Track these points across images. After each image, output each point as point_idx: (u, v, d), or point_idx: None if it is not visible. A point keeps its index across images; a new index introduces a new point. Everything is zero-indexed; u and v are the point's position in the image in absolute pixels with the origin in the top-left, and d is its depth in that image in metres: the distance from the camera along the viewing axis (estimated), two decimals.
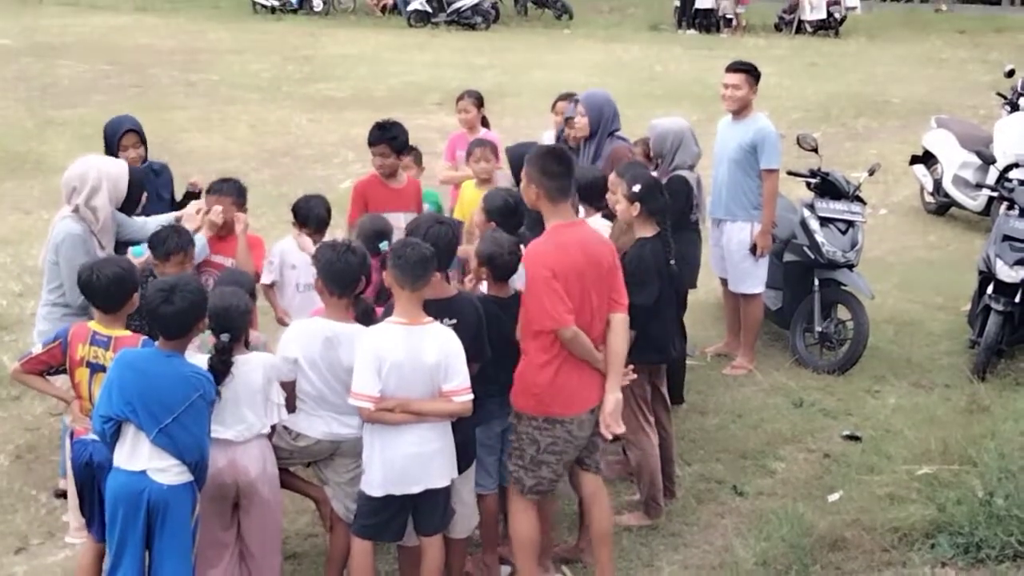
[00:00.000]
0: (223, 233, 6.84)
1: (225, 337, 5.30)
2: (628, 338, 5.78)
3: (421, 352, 5.31)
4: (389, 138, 7.71)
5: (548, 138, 8.57)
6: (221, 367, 5.28)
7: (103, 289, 5.37)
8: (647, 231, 6.46)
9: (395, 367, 5.28)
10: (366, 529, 5.52)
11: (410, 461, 5.35)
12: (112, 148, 7.32)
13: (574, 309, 5.48)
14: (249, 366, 5.41)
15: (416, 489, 5.39)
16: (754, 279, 8.97)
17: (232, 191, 6.96)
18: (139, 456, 5.01)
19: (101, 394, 5.10)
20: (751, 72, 8.85)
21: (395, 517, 5.48)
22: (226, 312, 5.38)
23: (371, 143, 7.77)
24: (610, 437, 5.80)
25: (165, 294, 5.05)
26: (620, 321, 5.72)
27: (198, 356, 5.38)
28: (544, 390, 5.56)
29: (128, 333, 5.37)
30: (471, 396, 5.41)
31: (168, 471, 5.02)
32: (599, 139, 7.75)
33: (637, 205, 6.39)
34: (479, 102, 9.57)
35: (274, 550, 5.62)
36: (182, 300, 5.04)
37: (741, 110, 8.89)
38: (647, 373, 6.57)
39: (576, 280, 5.50)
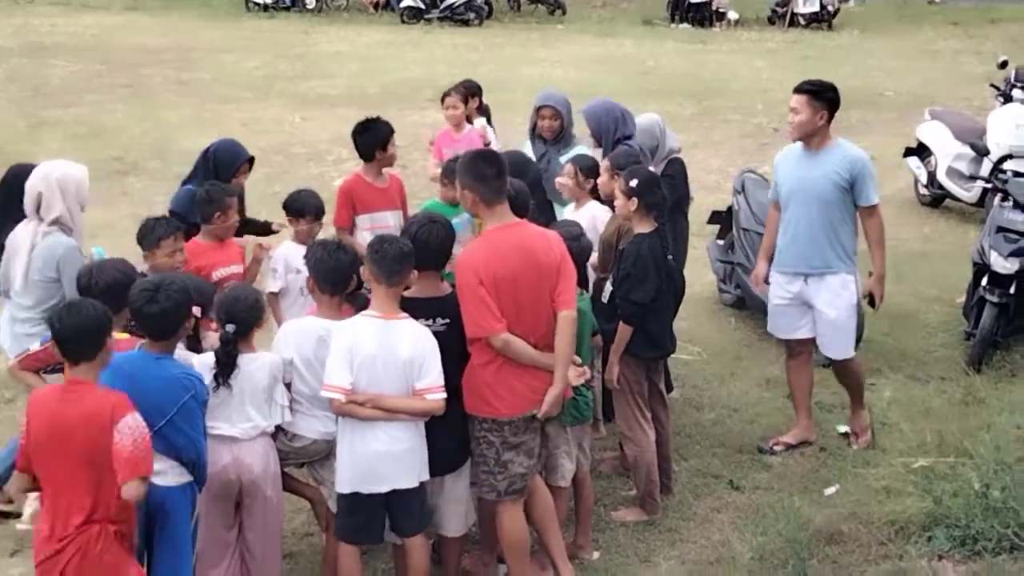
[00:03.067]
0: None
1: (231, 328, 5.31)
2: (574, 335, 5.70)
3: (394, 347, 5.32)
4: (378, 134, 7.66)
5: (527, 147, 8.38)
6: (225, 359, 5.29)
7: (102, 292, 5.32)
8: (645, 227, 6.45)
9: (368, 360, 5.28)
10: (346, 531, 5.52)
11: (379, 459, 5.34)
12: (226, 174, 7.16)
13: (508, 315, 5.44)
14: (256, 365, 5.41)
15: (383, 488, 5.38)
16: (851, 334, 7.62)
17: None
18: None
19: None
20: (817, 94, 7.30)
21: (370, 517, 5.48)
22: (234, 303, 5.40)
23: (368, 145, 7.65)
24: (541, 418, 5.65)
25: (149, 294, 5.00)
26: (566, 319, 5.60)
27: (206, 354, 5.40)
28: (488, 390, 5.53)
29: (126, 336, 5.32)
30: (444, 395, 5.40)
31: (166, 473, 5.00)
32: (605, 148, 7.67)
33: (635, 200, 6.38)
34: (466, 97, 9.50)
35: (275, 550, 5.62)
36: (167, 300, 4.99)
37: (810, 138, 7.36)
38: (644, 369, 6.57)
39: (510, 285, 5.44)
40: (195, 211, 6.72)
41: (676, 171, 7.84)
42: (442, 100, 9.60)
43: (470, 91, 9.80)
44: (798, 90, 7.34)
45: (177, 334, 5.14)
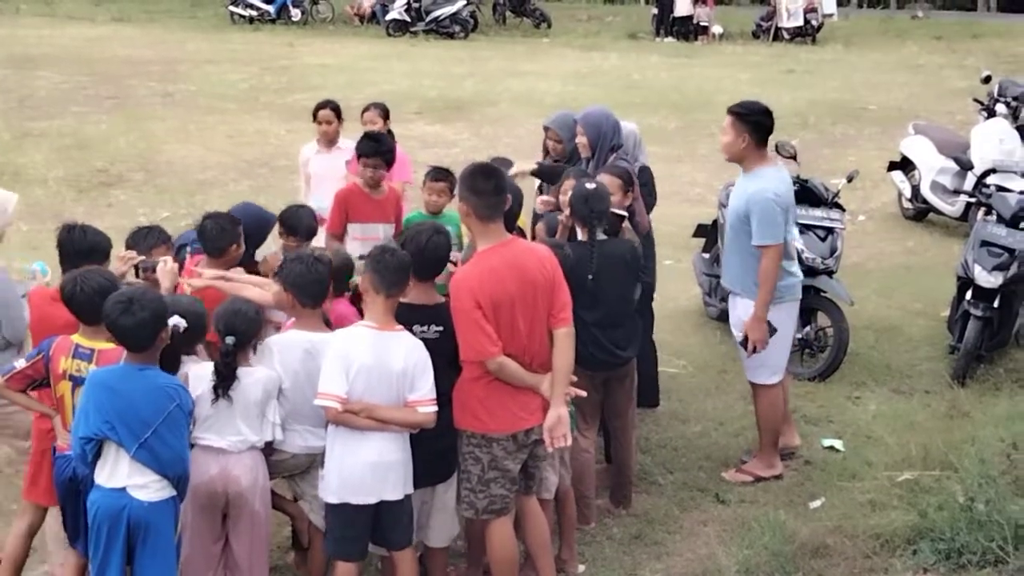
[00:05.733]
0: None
1: (230, 340, 5.31)
2: (572, 352, 5.67)
3: (388, 358, 5.31)
4: (384, 151, 7.70)
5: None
6: (224, 371, 5.29)
7: (87, 300, 5.28)
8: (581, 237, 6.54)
9: (363, 370, 5.28)
10: (338, 547, 5.50)
11: (368, 471, 5.33)
12: (259, 237, 6.87)
13: (503, 337, 5.42)
14: (250, 379, 5.40)
15: (371, 500, 5.37)
16: (766, 367, 7.40)
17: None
18: (119, 473, 4.96)
19: (78, 416, 5.03)
20: (741, 116, 7.11)
21: (359, 531, 5.46)
22: (234, 315, 5.39)
23: (365, 154, 7.65)
24: (551, 450, 5.70)
25: (124, 305, 4.93)
26: (563, 336, 5.60)
27: (203, 364, 5.39)
28: (479, 406, 5.51)
29: (111, 346, 5.26)
30: (435, 408, 5.40)
31: (148, 487, 4.97)
32: (599, 157, 7.64)
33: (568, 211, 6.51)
34: (384, 113, 9.44)
35: (261, 564, 5.59)
36: (141, 310, 4.93)
37: (739, 161, 7.22)
38: (588, 378, 6.51)
39: (507, 306, 5.42)
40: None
41: (649, 179, 7.82)
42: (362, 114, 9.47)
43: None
44: (728, 111, 7.19)
45: (155, 345, 5.08)
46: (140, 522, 4.97)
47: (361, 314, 5.71)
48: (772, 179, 7.14)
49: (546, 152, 8.21)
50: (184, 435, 5.10)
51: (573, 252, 6.26)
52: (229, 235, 6.29)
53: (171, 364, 5.21)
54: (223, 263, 6.26)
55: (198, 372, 5.37)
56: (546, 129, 8.18)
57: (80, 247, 5.75)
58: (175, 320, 5.21)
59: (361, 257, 5.90)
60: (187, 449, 5.12)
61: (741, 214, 7.13)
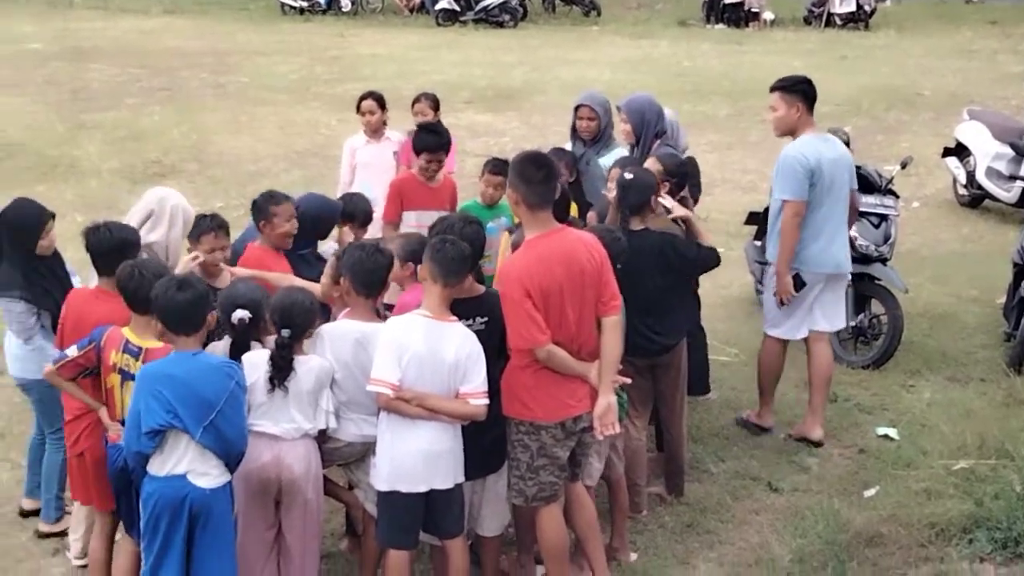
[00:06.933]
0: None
1: (286, 333, 5.34)
2: (621, 340, 5.69)
3: (441, 349, 5.32)
4: (445, 143, 7.74)
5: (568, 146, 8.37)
6: (282, 363, 5.32)
7: (148, 285, 5.29)
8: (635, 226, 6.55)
9: (415, 358, 5.28)
10: (389, 535, 5.52)
11: (419, 459, 5.35)
12: (327, 225, 6.95)
13: (552, 325, 5.41)
14: (304, 368, 5.42)
15: (422, 488, 5.38)
16: (766, 318, 7.93)
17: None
18: (179, 461, 5.03)
19: (132, 413, 5.07)
20: (788, 88, 7.54)
21: (410, 519, 5.48)
22: (290, 308, 5.42)
23: (428, 149, 7.69)
24: (601, 437, 5.72)
25: (176, 284, 5.08)
26: (611, 324, 5.62)
27: (257, 351, 5.45)
28: (528, 394, 5.51)
29: (159, 344, 5.33)
30: (487, 401, 5.40)
31: (208, 474, 5.04)
32: (644, 143, 7.65)
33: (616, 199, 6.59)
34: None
35: (313, 551, 5.63)
36: (192, 288, 5.07)
37: (792, 133, 7.55)
38: (632, 367, 6.51)
39: (556, 295, 5.42)
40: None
41: (695, 170, 7.80)
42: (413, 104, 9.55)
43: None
44: (772, 89, 7.57)
45: (202, 328, 5.17)
46: (201, 509, 5.03)
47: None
48: (809, 142, 7.45)
49: (574, 132, 8.17)
50: (244, 412, 5.18)
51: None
52: (260, 213, 6.44)
53: (240, 355, 5.35)
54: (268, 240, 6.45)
55: (252, 359, 5.41)
56: (577, 108, 8.12)
57: (110, 246, 5.77)
58: (239, 313, 5.28)
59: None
60: (246, 427, 5.19)
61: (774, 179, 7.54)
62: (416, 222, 7.62)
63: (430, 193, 7.77)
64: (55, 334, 5.95)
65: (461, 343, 5.36)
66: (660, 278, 6.55)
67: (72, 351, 5.48)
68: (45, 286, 6.22)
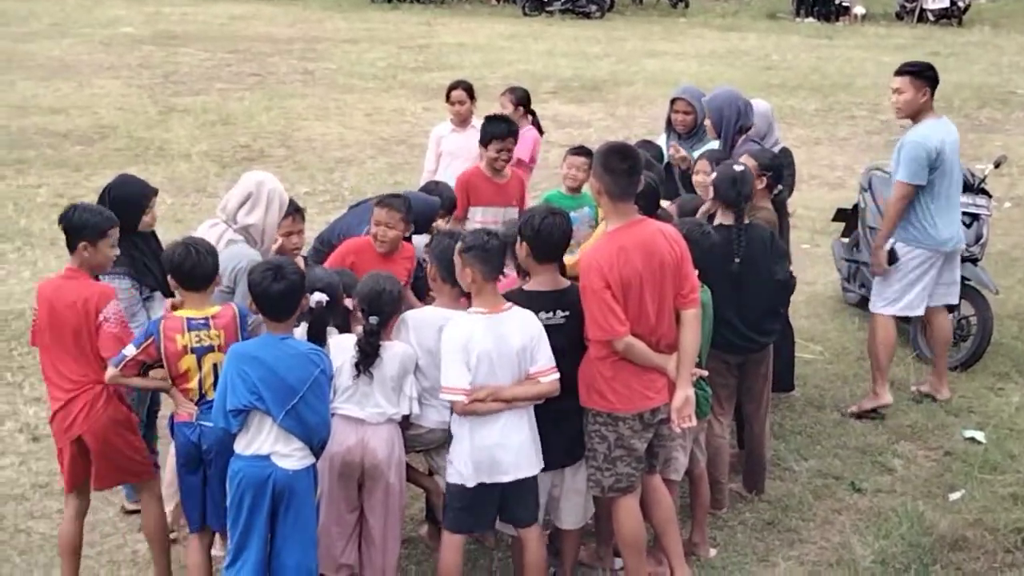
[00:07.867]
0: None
1: (374, 320, 5.39)
2: (699, 334, 5.66)
3: (506, 338, 5.32)
4: (514, 131, 7.75)
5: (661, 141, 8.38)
6: (369, 349, 5.37)
7: (203, 262, 5.33)
8: (726, 220, 6.54)
9: (483, 356, 5.28)
10: (458, 521, 5.52)
11: (501, 450, 5.36)
12: (428, 220, 6.91)
13: (631, 317, 5.39)
14: (388, 354, 5.46)
15: (507, 478, 5.39)
16: (880, 297, 8.10)
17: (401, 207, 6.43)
18: (264, 442, 5.08)
19: (220, 391, 5.11)
20: (917, 74, 7.82)
21: (486, 508, 5.49)
22: (379, 296, 5.46)
23: (496, 136, 7.68)
24: (679, 430, 5.69)
25: (272, 273, 5.08)
26: (690, 317, 5.59)
27: (345, 335, 5.49)
28: (606, 385, 5.50)
29: (218, 308, 5.35)
30: (557, 375, 5.39)
31: (292, 456, 5.08)
32: (725, 139, 7.63)
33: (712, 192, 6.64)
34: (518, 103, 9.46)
35: (394, 535, 5.65)
36: (289, 277, 5.09)
37: (916, 116, 7.84)
38: (722, 363, 6.50)
39: (636, 286, 5.39)
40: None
41: (790, 162, 7.78)
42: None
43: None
44: (899, 72, 7.85)
45: (295, 314, 5.21)
46: (284, 489, 5.07)
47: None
48: (935, 128, 7.79)
49: (670, 126, 8.14)
50: (328, 400, 5.21)
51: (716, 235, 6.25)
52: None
53: (320, 338, 5.37)
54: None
55: (340, 343, 5.46)
56: (673, 101, 8.13)
57: (81, 224, 5.52)
58: (317, 296, 5.31)
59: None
60: (330, 414, 5.23)
61: (895, 160, 7.84)
62: (481, 218, 7.59)
63: (496, 189, 7.74)
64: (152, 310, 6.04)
65: (522, 326, 5.36)
66: (770, 272, 6.57)
67: (130, 350, 5.34)
68: (146, 263, 6.27)
